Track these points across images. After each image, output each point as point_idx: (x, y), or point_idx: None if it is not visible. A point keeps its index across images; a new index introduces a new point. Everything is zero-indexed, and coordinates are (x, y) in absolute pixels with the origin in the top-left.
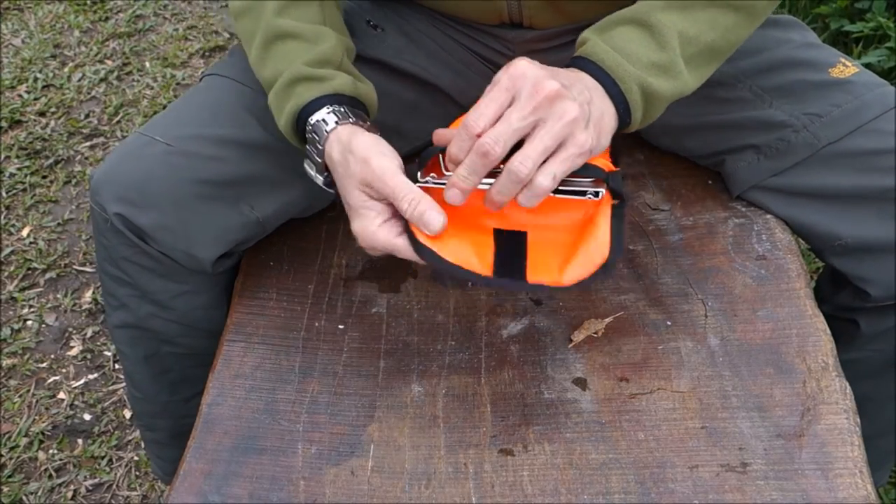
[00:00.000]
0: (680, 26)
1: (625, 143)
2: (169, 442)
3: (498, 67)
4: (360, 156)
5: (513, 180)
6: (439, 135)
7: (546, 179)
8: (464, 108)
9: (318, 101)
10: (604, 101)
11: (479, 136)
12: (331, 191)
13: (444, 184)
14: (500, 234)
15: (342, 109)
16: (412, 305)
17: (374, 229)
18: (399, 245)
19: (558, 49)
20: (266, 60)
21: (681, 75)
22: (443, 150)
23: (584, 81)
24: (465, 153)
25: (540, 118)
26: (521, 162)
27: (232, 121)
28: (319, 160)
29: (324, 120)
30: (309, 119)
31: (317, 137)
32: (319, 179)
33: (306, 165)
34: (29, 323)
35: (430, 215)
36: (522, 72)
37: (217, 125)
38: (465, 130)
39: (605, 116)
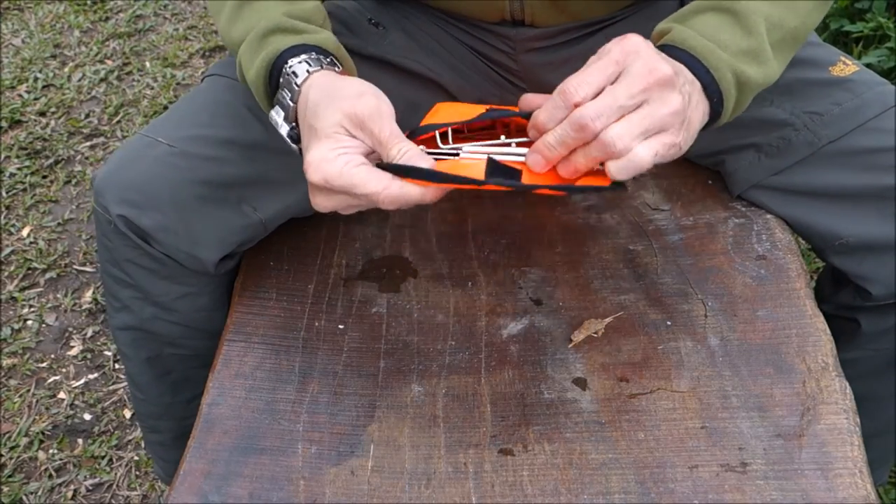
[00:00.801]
0: (765, 11)
1: None
2: (172, 444)
3: (499, 66)
4: (354, 89)
5: (602, 150)
6: (527, 99)
7: (648, 154)
8: None
9: (296, 48)
10: (701, 97)
11: (576, 105)
12: (294, 146)
13: (442, 156)
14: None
15: (327, 60)
16: (412, 305)
17: (331, 157)
18: (356, 177)
19: (560, 47)
20: (238, 20)
21: (769, 62)
22: (433, 129)
23: (685, 73)
24: (557, 122)
25: (645, 100)
26: (620, 136)
27: (233, 121)
28: (292, 104)
29: (306, 61)
30: (286, 65)
31: (295, 79)
32: (285, 129)
33: (273, 113)
34: (29, 323)
35: (416, 161)
36: (636, 48)
37: (219, 126)
38: (561, 97)
39: (697, 114)
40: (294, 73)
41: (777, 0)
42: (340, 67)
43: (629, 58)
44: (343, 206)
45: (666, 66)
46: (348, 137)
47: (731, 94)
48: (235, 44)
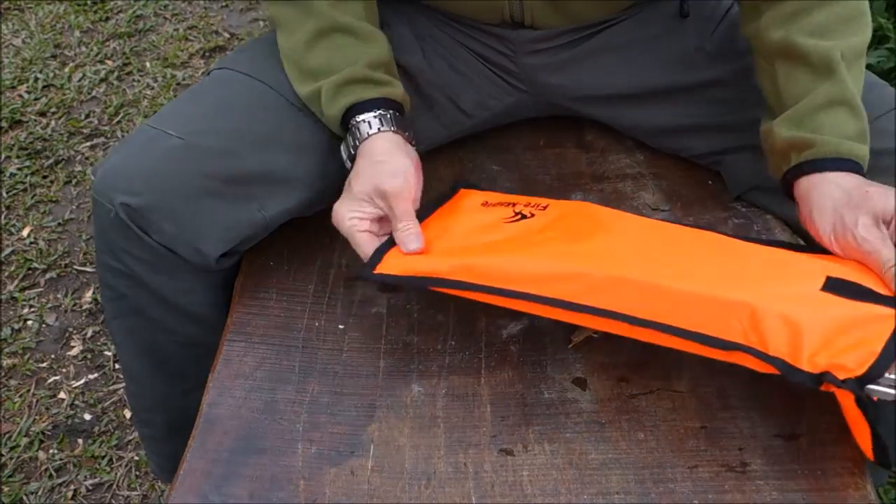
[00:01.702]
0: (858, 83)
1: (625, 143)
2: (165, 437)
3: (499, 68)
4: (392, 168)
5: None
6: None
7: None
8: (463, 112)
9: (371, 102)
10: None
11: None
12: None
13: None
14: None
15: (388, 116)
16: (412, 305)
17: (349, 215)
18: (357, 238)
19: (559, 49)
20: (316, 49)
21: (867, 128)
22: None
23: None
24: None
25: None
26: None
27: (243, 116)
28: (352, 152)
29: (368, 122)
30: (356, 116)
31: (357, 134)
32: (348, 164)
33: (342, 146)
34: (29, 323)
35: (411, 238)
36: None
37: (228, 120)
38: None
39: None
40: (358, 128)
41: (859, 66)
42: (403, 118)
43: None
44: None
45: None
46: (369, 204)
47: (864, 169)
48: (310, 71)
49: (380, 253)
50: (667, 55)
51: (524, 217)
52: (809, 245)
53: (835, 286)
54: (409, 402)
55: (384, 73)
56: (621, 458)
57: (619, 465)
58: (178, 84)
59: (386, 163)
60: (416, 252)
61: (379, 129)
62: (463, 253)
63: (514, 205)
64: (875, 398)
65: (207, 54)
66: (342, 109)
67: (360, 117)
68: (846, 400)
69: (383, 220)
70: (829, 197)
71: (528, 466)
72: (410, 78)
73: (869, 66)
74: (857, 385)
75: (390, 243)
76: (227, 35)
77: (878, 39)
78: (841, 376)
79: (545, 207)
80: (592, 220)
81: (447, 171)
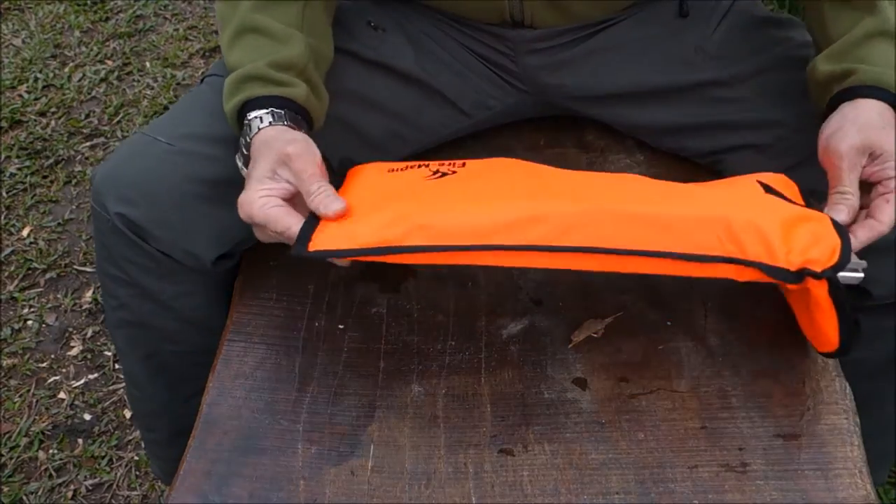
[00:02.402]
0: None
1: (625, 143)
2: (168, 442)
3: (499, 68)
4: (288, 137)
5: None
6: None
7: None
8: (463, 112)
9: (264, 98)
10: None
11: None
12: (241, 168)
13: None
14: None
15: (282, 113)
16: (412, 305)
17: (258, 195)
18: (271, 215)
19: (559, 49)
20: (234, 49)
21: None
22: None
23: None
24: None
25: None
26: None
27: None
28: (245, 152)
29: (260, 118)
30: (248, 114)
31: (249, 131)
32: (244, 171)
33: (237, 157)
34: (29, 323)
35: (330, 199)
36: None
37: (218, 125)
38: None
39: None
40: (249, 125)
41: None
42: (305, 124)
43: None
44: (270, 239)
45: None
46: (273, 181)
47: None
48: (229, 68)
49: (309, 226)
50: (667, 55)
51: (445, 174)
52: None
53: (770, 190)
54: (409, 402)
55: (289, 75)
56: (621, 458)
57: (619, 465)
58: (178, 84)
59: (278, 137)
60: (339, 214)
61: (270, 122)
62: (406, 214)
63: (426, 165)
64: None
65: (207, 54)
66: (236, 105)
67: (253, 114)
68: (819, 291)
69: (295, 198)
70: (854, 114)
71: (528, 466)
72: (410, 81)
73: None
74: (834, 274)
75: (314, 219)
76: None
77: None
78: (817, 269)
79: (463, 164)
80: (527, 170)
81: None
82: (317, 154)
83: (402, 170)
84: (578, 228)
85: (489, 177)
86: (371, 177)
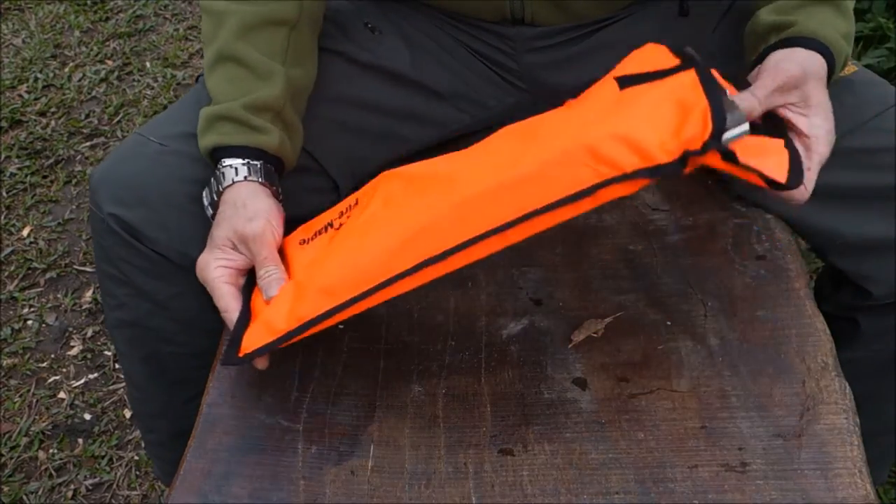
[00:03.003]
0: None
1: None
2: (169, 443)
3: (499, 66)
4: (250, 213)
5: None
6: None
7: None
8: (462, 111)
9: (239, 148)
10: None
11: None
12: (209, 213)
13: None
14: None
15: (257, 166)
16: (412, 305)
17: (214, 264)
18: (217, 291)
19: (560, 47)
20: (212, 75)
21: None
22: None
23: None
24: None
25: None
26: None
27: None
28: (215, 198)
29: (235, 168)
30: (222, 160)
31: (222, 179)
32: (210, 212)
33: (204, 193)
34: (29, 323)
35: (272, 285)
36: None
37: None
38: None
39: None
40: (223, 174)
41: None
42: (276, 174)
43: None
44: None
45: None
46: (233, 251)
47: (839, 67)
48: (209, 93)
49: (241, 326)
50: None
51: (341, 226)
52: (811, 244)
53: (628, 81)
54: (409, 402)
55: (264, 119)
56: (621, 458)
57: (619, 465)
58: (178, 84)
59: (246, 207)
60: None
61: (245, 177)
62: (305, 284)
63: (328, 226)
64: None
65: None
66: (209, 147)
67: (228, 161)
68: (716, 162)
69: (251, 270)
70: (785, 59)
71: (528, 466)
72: (407, 82)
73: (869, 67)
74: (717, 142)
75: (245, 318)
76: None
77: (878, 39)
78: (698, 146)
79: (356, 202)
80: (402, 179)
81: None
82: (276, 230)
83: (310, 239)
84: (459, 223)
85: (374, 206)
86: (289, 252)
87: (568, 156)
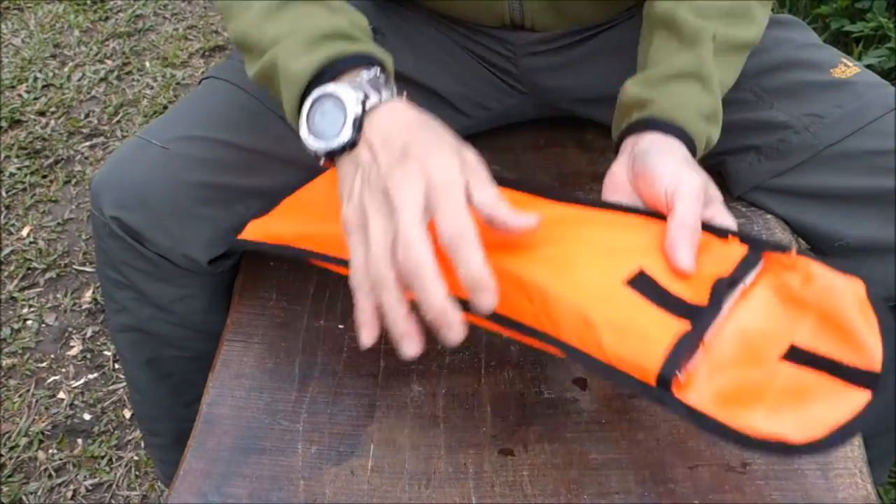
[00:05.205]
0: (721, 73)
1: None
2: (171, 446)
3: (499, 70)
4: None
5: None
6: None
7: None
8: (462, 112)
9: (363, 56)
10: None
11: None
12: (347, 138)
13: None
14: None
15: (394, 85)
16: (412, 305)
17: (419, 239)
18: (428, 275)
19: (559, 51)
20: (277, 19)
21: (720, 120)
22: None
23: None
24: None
25: None
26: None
27: (227, 124)
28: (355, 109)
29: (387, 82)
30: (363, 69)
31: (379, 90)
32: (348, 133)
33: (324, 108)
34: (29, 323)
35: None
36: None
37: (212, 128)
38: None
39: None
40: (377, 81)
41: (728, 59)
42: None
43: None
44: (392, 302)
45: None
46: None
47: (698, 151)
48: (268, 41)
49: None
50: None
51: None
52: (810, 245)
53: (641, 283)
54: (409, 402)
55: (364, 36)
56: (621, 458)
57: (619, 465)
58: (177, 84)
59: (436, 124)
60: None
61: (393, 93)
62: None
63: None
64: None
65: (207, 54)
66: (318, 65)
67: (370, 72)
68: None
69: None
70: (668, 153)
71: (528, 466)
72: (409, 83)
73: (869, 67)
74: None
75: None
76: (226, 35)
77: (878, 39)
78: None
79: None
80: None
81: None
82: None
83: None
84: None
85: None
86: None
87: (573, 313)
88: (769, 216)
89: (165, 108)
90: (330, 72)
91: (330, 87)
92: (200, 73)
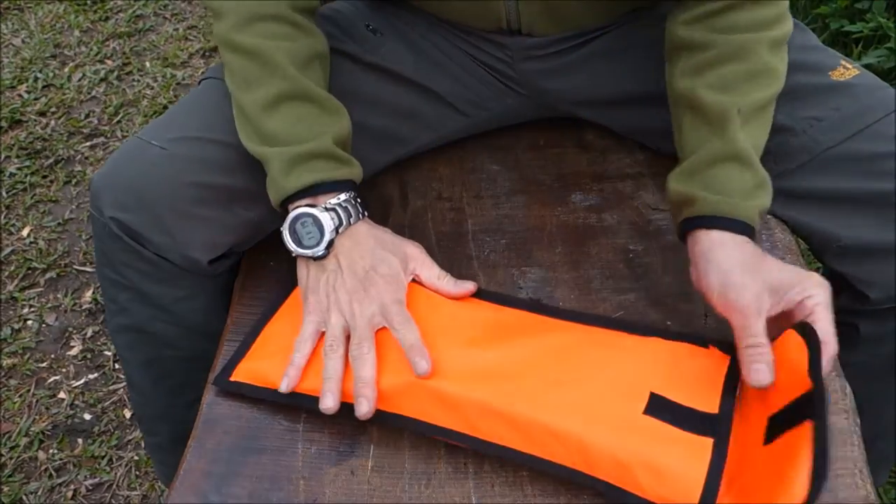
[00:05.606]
0: (753, 139)
1: (625, 143)
2: (171, 447)
3: (498, 73)
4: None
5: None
6: None
7: None
8: (461, 112)
9: (340, 183)
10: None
11: None
12: (320, 253)
13: None
14: None
15: (359, 201)
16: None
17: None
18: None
19: (556, 55)
20: (277, 114)
21: (768, 181)
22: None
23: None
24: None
25: None
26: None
27: (226, 125)
28: (330, 233)
29: (354, 203)
30: (338, 194)
31: (349, 213)
32: (328, 232)
33: (293, 232)
34: (29, 323)
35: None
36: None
37: (211, 129)
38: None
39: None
40: (346, 207)
41: (759, 120)
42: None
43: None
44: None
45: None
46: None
47: (757, 224)
48: (268, 134)
49: (240, 351)
50: (664, 59)
51: None
52: (810, 246)
53: (657, 407)
54: None
55: (347, 152)
56: None
57: None
58: (177, 84)
59: (394, 244)
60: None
61: (360, 216)
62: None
63: None
64: None
65: (207, 54)
66: (306, 183)
67: (342, 196)
68: None
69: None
70: (722, 257)
71: (528, 466)
72: (409, 84)
73: (869, 66)
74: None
75: (252, 336)
76: None
77: (878, 39)
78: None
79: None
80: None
81: (447, 170)
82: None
83: None
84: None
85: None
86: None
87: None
88: (769, 216)
89: (165, 108)
90: (313, 190)
91: (313, 211)
92: (200, 74)
